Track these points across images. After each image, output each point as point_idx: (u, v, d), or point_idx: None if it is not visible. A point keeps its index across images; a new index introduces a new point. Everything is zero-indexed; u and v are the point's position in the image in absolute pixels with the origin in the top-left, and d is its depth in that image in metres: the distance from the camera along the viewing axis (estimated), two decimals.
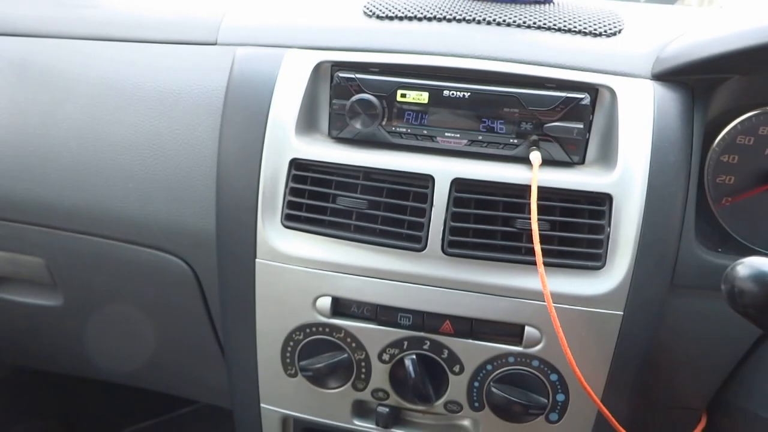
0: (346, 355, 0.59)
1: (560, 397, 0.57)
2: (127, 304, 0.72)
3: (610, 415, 0.52)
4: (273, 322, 0.60)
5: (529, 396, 0.56)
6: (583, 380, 0.51)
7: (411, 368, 0.57)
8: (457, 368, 0.57)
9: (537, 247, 0.50)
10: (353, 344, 0.58)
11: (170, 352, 0.76)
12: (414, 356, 0.57)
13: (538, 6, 0.64)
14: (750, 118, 0.58)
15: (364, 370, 0.59)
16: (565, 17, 0.61)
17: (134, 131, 0.63)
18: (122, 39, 0.66)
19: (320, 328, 0.59)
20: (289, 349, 0.60)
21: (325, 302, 0.57)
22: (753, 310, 0.32)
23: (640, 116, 0.53)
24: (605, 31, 0.59)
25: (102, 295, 0.72)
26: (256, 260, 0.58)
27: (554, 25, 0.59)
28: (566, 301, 0.53)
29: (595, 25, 0.60)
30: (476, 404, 0.58)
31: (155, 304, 0.71)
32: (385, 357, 0.58)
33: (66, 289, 0.72)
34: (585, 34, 0.59)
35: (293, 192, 0.57)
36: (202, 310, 0.68)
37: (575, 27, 0.59)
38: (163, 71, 0.64)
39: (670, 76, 0.55)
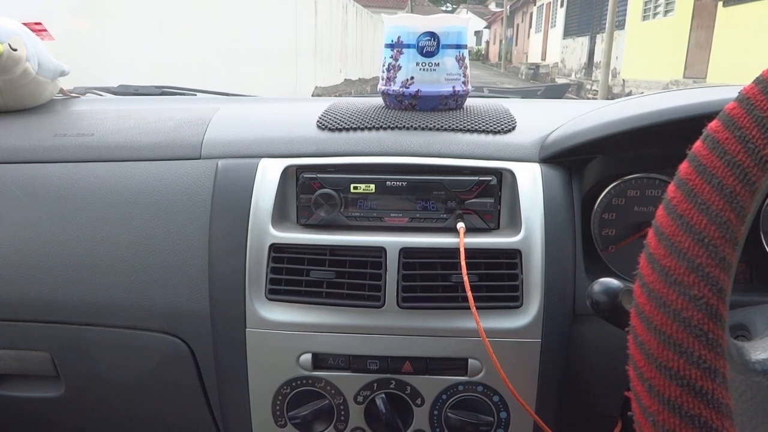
0: (327, 401, 0.70)
1: (503, 415, 0.70)
2: (127, 387, 0.79)
3: (543, 423, 0.66)
4: (263, 382, 0.71)
5: (479, 417, 0.69)
6: (519, 397, 0.64)
7: (382, 406, 0.68)
8: (419, 401, 0.70)
9: (470, 295, 0.63)
10: (332, 391, 0.70)
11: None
12: (383, 395, 0.69)
13: (451, 112, 0.83)
14: (619, 184, 0.75)
15: (343, 412, 0.70)
16: (473, 120, 0.79)
17: (134, 233, 0.74)
18: (118, 159, 0.78)
19: (304, 381, 0.70)
20: (279, 402, 0.71)
21: (306, 358, 0.69)
22: (607, 314, 0.47)
23: (534, 190, 0.70)
24: (503, 129, 0.77)
25: (103, 380, 0.79)
26: (247, 330, 0.70)
27: (465, 126, 0.77)
28: (497, 335, 0.67)
29: (495, 124, 0.78)
30: (437, 429, 0.70)
31: (153, 385, 0.78)
32: (360, 399, 0.70)
33: (68, 379, 0.79)
34: (488, 132, 0.76)
35: (274, 270, 0.70)
36: (197, 385, 0.76)
37: (481, 127, 0.77)
38: (156, 182, 0.76)
39: (551, 159, 0.72)
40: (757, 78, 0.35)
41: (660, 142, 0.69)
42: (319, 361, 0.70)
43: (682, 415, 0.31)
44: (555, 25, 19.40)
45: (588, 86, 12.57)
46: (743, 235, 0.34)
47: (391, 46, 0.81)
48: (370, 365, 0.69)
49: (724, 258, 0.32)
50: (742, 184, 0.33)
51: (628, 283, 0.42)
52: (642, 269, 0.35)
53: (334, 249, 0.69)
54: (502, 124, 0.78)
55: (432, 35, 0.79)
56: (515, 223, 0.71)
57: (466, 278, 0.64)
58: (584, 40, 15.24)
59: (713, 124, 0.35)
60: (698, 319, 0.32)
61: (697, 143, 0.35)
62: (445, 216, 0.72)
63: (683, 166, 0.35)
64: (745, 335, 0.51)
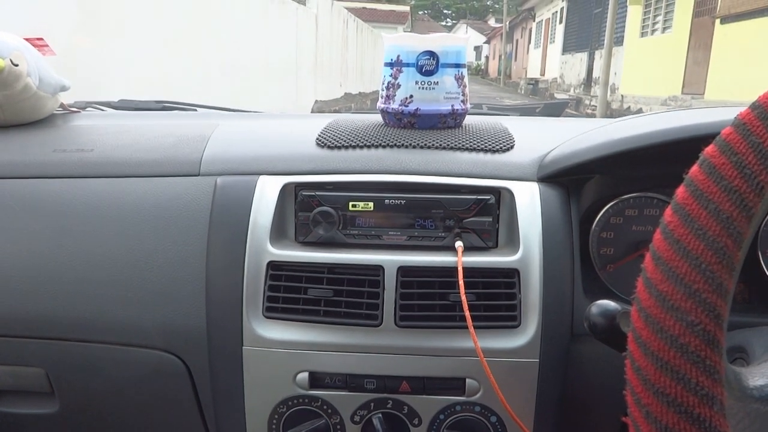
0: (323, 421, 0.69)
1: None
2: (122, 404, 0.78)
3: None
4: (260, 400, 0.70)
5: None
6: (517, 418, 0.64)
7: (379, 426, 0.68)
8: (416, 421, 0.69)
9: (467, 314, 0.63)
10: (329, 410, 0.69)
11: None
12: (380, 415, 0.68)
13: (450, 130, 0.83)
14: (617, 203, 0.75)
15: None
16: (471, 138, 0.79)
17: (132, 249, 0.74)
18: (118, 175, 0.78)
19: (300, 400, 0.70)
20: (275, 421, 0.70)
21: (303, 377, 0.69)
22: (605, 336, 0.47)
23: (532, 209, 0.70)
24: (501, 148, 0.77)
25: (98, 397, 0.78)
26: (243, 348, 0.69)
27: (463, 145, 0.77)
28: (494, 354, 0.67)
29: (494, 143, 0.78)
30: None
31: (148, 402, 0.78)
32: (356, 418, 0.69)
33: (63, 395, 0.79)
34: (486, 151, 0.76)
35: (271, 288, 0.69)
36: (193, 403, 0.76)
37: (479, 146, 0.77)
38: (154, 198, 0.76)
39: (550, 179, 0.73)
40: (753, 103, 0.35)
41: (658, 162, 0.69)
42: (316, 379, 0.69)
43: None
44: (554, 41, 19.55)
45: (587, 102, 12.64)
46: (740, 260, 0.34)
47: (390, 64, 0.82)
48: (367, 384, 0.68)
49: (721, 284, 0.32)
50: (739, 209, 0.33)
51: (626, 303, 0.42)
52: (639, 294, 0.35)
53: (332, 267, 0.69)
54: (500, 143, 0.78)
55: (431, 54, 0.79)
56: (513, 242, 0.71)
57: (464, 297, 0.64)
58: (583, 56, 15.35)
59: (710, 149, 0.35)
60: (695, 346, 0.32)
61: (694, 168, 0.35)
62: (443, 234, 0.71)
63: (680, 191, 0.35)
64: (743, 358, 0.51)
